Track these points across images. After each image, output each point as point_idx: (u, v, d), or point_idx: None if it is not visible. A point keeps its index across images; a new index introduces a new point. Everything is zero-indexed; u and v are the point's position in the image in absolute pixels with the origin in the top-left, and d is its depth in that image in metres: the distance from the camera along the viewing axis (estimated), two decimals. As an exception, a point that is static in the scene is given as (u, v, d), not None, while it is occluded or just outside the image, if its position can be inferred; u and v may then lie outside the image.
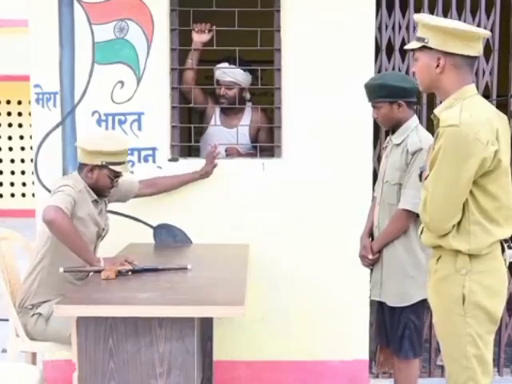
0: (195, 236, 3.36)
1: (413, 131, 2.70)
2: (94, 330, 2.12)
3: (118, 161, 2.83)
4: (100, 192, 2.90)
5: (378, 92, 2.71)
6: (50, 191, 3.26)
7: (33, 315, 2.79)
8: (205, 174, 3.32)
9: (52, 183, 2.91)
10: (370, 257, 2.77)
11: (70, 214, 2.65)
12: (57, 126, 3.31)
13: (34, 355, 2.94)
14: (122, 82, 3.28)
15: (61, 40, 3.28)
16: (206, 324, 3.04)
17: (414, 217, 2.63)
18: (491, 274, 2.06)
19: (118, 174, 2.87)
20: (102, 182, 2.85)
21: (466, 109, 1.98)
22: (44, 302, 2.79)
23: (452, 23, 2.07)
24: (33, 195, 3.49)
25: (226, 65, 3.50)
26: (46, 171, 3.33)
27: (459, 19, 3.33)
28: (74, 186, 2.76)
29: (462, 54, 2.04)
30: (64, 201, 2.64)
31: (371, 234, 2.86)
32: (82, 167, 2.87)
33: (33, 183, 3.40)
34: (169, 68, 3.35)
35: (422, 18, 2.10)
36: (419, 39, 2.09)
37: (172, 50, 3.35)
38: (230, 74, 3.52)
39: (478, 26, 3.36)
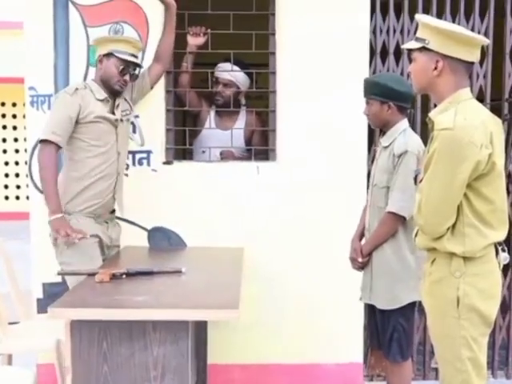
0: (190, 239, 3.35)
1: (400, 134, 2.71)
2: (87, 333, 2.11)
3: (125, 50, 2.91)
4: (110, 85, 2.93)
5: (371, 89, 2.73)
6: (41, 191, 3.29)
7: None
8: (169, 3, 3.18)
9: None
10: (360, 260, 2.78)
11: (63, 133, 2.78)
12: (51, 128, 3.30)
13: (9, 357, 2.95)
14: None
15: (55, 42, 3.27)
16: (200, 327, 3.03)
17: (401, 219, 2.64)
18: (485, 276, 2.07)
19: (126, 67, 2.92)
20: (110, 71, 2.92)
21: (461, 112, 1.99)
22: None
23: (455, 27, 2.09)
24: (27, 198, 3.47)
25: (227, 64, 3.50)
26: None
27: (453, 22, 3.34)
28: (66, 93, 2.84)
29: (461, 59, 2.05)
30: (52, 123, 2.78)
31: (363, 237, 2.88)
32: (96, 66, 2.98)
33: (27, 186, 3.39)
34: (163, 71, 3.35)
35: (425, 18, 2.11)
36: (419, 40, 2.09)
37: (167, 52, 3.35)
38: (230, 73, 3.52)
39: (472, 29, 3.37)
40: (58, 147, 2.79)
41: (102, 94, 2.93)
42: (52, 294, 3.14)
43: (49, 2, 3.24)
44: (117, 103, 3.00)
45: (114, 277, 2.47)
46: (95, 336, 2.11)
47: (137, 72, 3.03)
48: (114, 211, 3.07)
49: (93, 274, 2.49)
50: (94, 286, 2.40)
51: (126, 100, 3.08)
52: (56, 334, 2.83)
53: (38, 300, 3.33)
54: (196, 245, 3.31)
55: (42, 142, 2.78)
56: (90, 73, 3.26)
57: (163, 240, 3.36)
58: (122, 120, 3.01)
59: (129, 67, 2.95)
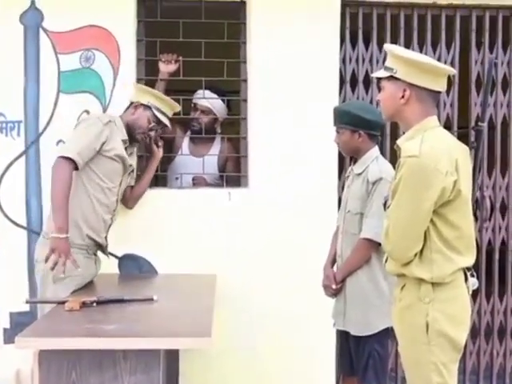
0: (161, 266, 3.33)
1: (373, 161, 2.74)
2: (56, 363, 2.06)
3: (163, 109, 3.01)
4: (133, 134, 3.00)
5: (341, 118, 2.76)
6: (12, 221, 3.24)
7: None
8: (155, 157, 3.30)
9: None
10: (334, 287, 2.78)
11: (85, 158, 2.76)
12: (20, 155, 3.27)
13: None
14: (87, 112, 3.26)
15: (25, 68, 3.26)
16: (173, 356, 3.00)
17: (375, 246, 2.66)
18: (454, 302, 2.09)
19: (156, 125, 3.02)
20: (141, 122, 2.99)
21: (427, 140, 2.03)
22: None
23: (422, 57, 2.15)
24: (-5, 225, 3.42)
25: (207, 92, 3.52)
26: (9, 200, 3.27)
27: (420, 53, 3.42)
28: (100, 120, 2.86)
29: (428, 88, 2.09)
30: (79, 144, 2.75)
31: (334, 263, 2.88)
32: (128, 107, 3.05)
33: (-5, 212, 3.34)
34: (135, 98, 3.35)
35: (393, 48, 2.16)
36: (387, 69, 2.14)
37: (138, 79, 3.36)
38: (209, 100, 3.54)
39: (439, 59, 3.46)
40: (76, 169, 2.74)
41: (124, 135, 2.96)
42: (20, 324, 3.08)
43: (19, 28, 3.24)
44: (129, 151, 3.04)
45: (84, 305, 2.43)
46: (64, 366, 2.07)
47: (161, 130, 3.14)
48: (101, 247, 3.03)
49: (62, 303, 2.45)
50: (63, 315, 2.36)
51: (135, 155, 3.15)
52: (17, 364, 2.76)
53: (5, 330, 3.26)
54: (168, 272, 3.28)
55: (64, 158, 2.71)
56: (61, 99, 3.25)
57: (134, 267, 3.33)
58: (132, 171, 3.07)
59: (159, 126, 3.05)
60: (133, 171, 3.13)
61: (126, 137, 2.97)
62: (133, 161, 3.09)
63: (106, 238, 3.00)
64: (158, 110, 3.02)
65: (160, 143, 3.32)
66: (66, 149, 2.77)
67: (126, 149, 2.99)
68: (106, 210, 2.92)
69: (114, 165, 2.91)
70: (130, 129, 3.00)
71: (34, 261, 2.86)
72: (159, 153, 3.31)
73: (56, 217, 2.68)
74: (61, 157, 2.72)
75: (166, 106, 3.08)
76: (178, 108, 3.18)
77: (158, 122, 3.04)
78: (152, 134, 3.06)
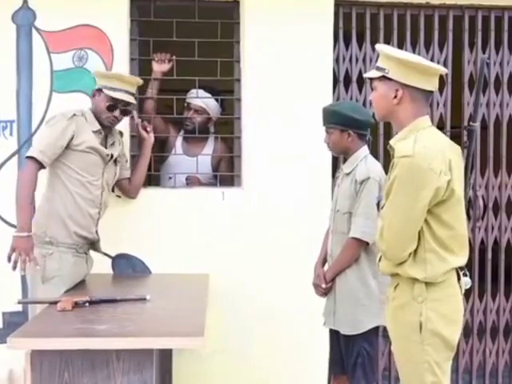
0: (155, 266, 3.32)
1: (362, 161, 2.76)
2: (48, 363, 2.06)
3: (114, 87, 2.90)
4: (101, 120, 2.94)
5: (331, 118, 2.77)
6: (4, 220, 3.24)
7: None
8: (147, 143, 3.28)
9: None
10: (323, 286, 2.79)
11: (51, 155, 2.76)
12: (13, 154, 3.26)
13: None
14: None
15: (18, 68, 3.25)
16: (165, 356, 2.99)
17: (364, 245, 2.67)
18: (447, 301, 2.09)
19: (114, 104, 2.91)
20: (99, 107, 2.93)
21: (420, 140, 2.03)
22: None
23: (413, 57, 2.14)
24: (-13, 225, 3.41)
25: (201, 91, 3.52)
26: (1, 200, 3.25)
27: (413, 53, 3.42)
28: (64, 116, 2.84)
29: (420, 88, 2.10)
30: (42, 142, 2.78)
31: (325, 263, 2.89)
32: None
33: (-13, 212, 3.33)
34: (128, 97, 3.34)
35: (385, 48, 2.16)
36: (379, 69, 2.13)
37: (132, 79, 3.35)
38: (203, 100, 3.54)
39: (432, 59, 3.47)
40: (41, 167, 2.77)
41: (96, 126, 2.93)
42: (12, 324, 3.07)
43: (11, 27, 3.23)
44: (111, 141, 3.02)
45: (76, 305, 2.43)
46: (56, 366, 2.06)
47: (129, 108, 3.03)
48: (93, 243, 3.02)
49: (55, 303, 2.44)
50: (55, 315, 2.36)
51: (120, 144, 3.11)
52: (9, 364, 2.74)
53: (-2, 330, 3.25)
54: (161, 271, 3.28)
55: (28, 158, 2.76)
56: (54, 99, 3.25)
57: (128, 267, 3.32)
58: (115, 160, 3.03)
59: (117, 104, 2.95)
60: (118, 161, 3.07)
61: (98, 127, 2.93)
62: (114, 151, 3.03)
63: (96, 232, 2.99)
64: (109, 88, 2.91)
65: (149, 128, 3.29)
66: (30, 149, 2.81)
67: (105, 139, 2.98)
68: (91, 205, 2.91)
69: (90, 157, 2.89)
70: (97, 117, 2.96)
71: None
72: (150, 137, 3.29)
73: (18, 215, 2.72)
74: (25, 157, 2.77)
75: (120, 82, 2.94)
76: (139, 81, 3.07)
77: (114, 100, 2.93)
78: (116, 113, 2.95)
